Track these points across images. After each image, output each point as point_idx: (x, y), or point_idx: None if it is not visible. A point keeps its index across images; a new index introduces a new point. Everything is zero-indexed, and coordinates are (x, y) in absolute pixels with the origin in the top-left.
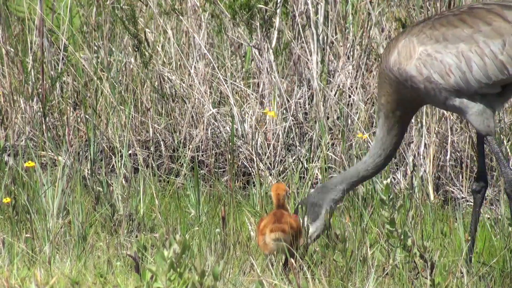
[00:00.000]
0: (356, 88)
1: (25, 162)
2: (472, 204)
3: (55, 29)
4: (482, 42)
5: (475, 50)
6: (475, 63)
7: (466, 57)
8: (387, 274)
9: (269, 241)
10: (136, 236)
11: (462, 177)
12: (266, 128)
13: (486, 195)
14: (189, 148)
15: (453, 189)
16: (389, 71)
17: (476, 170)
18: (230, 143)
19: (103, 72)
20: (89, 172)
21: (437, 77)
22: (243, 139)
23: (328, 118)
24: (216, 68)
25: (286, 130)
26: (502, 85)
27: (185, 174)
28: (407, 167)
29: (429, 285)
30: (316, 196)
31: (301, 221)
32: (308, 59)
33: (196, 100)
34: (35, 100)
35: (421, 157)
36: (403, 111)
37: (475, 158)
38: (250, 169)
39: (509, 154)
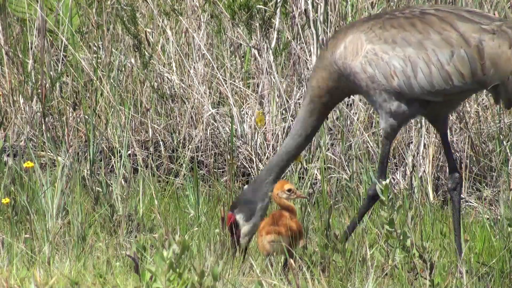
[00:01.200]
0: None
1: (24, 162)
2: (472, 204)
3: (55, 30)
4: (430, 50)
5: (423, 56)
6: (421, 69)
7: (412, 62)
8: (386, 274)
9: (265, 243)
10: (136, 237)
11: (462, 178)
12: (265, 128)
13: (485, 195)
14: (188, 149)
15: None
16: (333, 62)
17: (475, 170)
18: (230, 144)
19: (103, 72)
20: (89, 173)
21: (381, 78)
22: (243, 139)
23: (327, 118)
24: (216, 68)
25: (285, 131)
26: (444, 95)
27: (184, 174)
28: (407, 168)
29: (428, 286)
30: (249, 193)
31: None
32: (307, 59)
33: (196, 100)
34: (34, 100)
35: (421, 157)
36: (330, 99)
37: (474, 159)
38: (249, 169)
39: (509, 154)
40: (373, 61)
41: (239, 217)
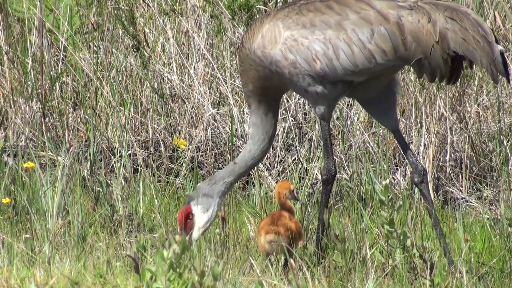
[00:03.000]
0: None
1: (24, 162)
2: (472, 204)
3: (54, 30)
4: (350, 30)
5: (343, 37)
6: (343, 50)
7: (333, 44)
8: (386, 274)
9: (264, 243)
10: (136, 237)
11: (462, 178)
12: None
13: (485, 195)
14: (188, 149)
15: (453, 189)
16: (253, 55)
17: (475, 170)
18: (230, 144)
19: (103, 72)
20: (89, 173)
21: (303, 63)
22: (243, 139)
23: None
24: (216, 68)
25: (285, 131)
26: (368, 73)
27: (184, 174)
28: (407, 168)
29: (428, 286)
30: (206, 187)
31: (195, 216)
32: None
33: (196, 100)
34: (34, 100)
35: (421, 157)
36: (273, 94)
37: (474, 159)
38: None
39: (509, 154)
40: (293, 47)
41: (196, 209)
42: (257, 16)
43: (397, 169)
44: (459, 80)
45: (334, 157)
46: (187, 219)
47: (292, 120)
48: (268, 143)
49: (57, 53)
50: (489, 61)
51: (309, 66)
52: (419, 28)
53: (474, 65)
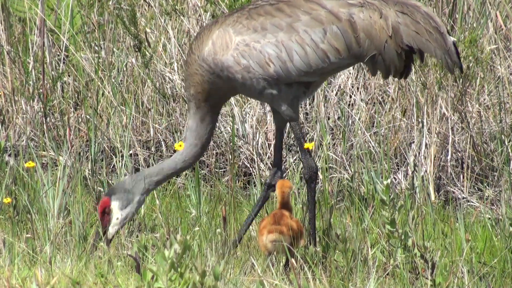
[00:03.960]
0: (357, 88)
1: (26, 162)
2: (473, 204)
3: (56, 30)
4: (302, 31)
5: (296, 39)
6: (296, 52)
7: (286, 46)
8: (387, 274)
9: (267, 242)
10: (137, 236)
11: (463, 178)
12: (267, 128)
13: (487, 195)
14: None
15: (454, 189)
16: (202, 61)
17: (476, 170)
18: (231, 143)
19: (104, 72)
20: (90, 172)
21: (256, 67)
22: (244, 139)
23: (329, 118)
24: None
25: (287, 130)
26: (321, 73)
27: (185, 174)
28: (408, 167)
29: (429, 286)
30: (130, 183)
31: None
32: None
33: None
34: (36, 100)
35: (422, 157)
36: (214, 101)
37: (476, 159)
38: (251, 169)
39: (510, 154)
40: (245, 52)
41: (115, 204)
42: None
43: (398, 169)
44: (461, 80)
45: (311, 154)
46: (105, 213)
47: None
48: (200, 149)
49: (58, 53)
50: (443, 52)
51: (263, 69)
52: (371, 24)
53: (424, 58)
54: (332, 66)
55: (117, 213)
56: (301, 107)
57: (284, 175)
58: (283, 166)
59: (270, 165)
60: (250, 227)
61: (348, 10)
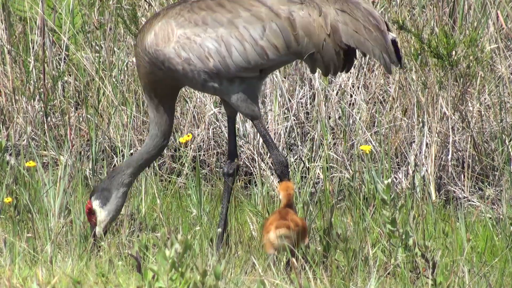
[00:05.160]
0: (358, 88)
1: (26, 161)
2: (474, 203)
3: (56, 29)
4: (242, 27)
5: (235, 35)
6: (235, 48)
7: (226, 41)
8: (388, 273)
9: (274, 238)
10: (138, 236)
11: (464, 177)
12: (267, 127)
13: (487, 194)
14: (190, 148)
15: (455, 188)
16: (144, 54)
17: (477, 170)
18: None
19: (105, 71)
20: (91, 172)
21: (196, 60)
22: (245, 138)
23: (329, 117)
24: None
25: (287, 130)
26: (260, 69)
27: (186, 173)
28: (409, 167)
29: (430, 285)
30: (106, 181)
31: None
32: None
33: (198, 99)
34: (36, 99)
35: (423, 156)
36: (162, 92)
37: (476, 158)
38: (251, 168)
39: (511, 153)
40: (186, 45)
41: (95, 204)
42: None
43: (399, 168)
44: (461, 79)
45: (278, 148)
46: (91, 214)
47: (294, 120)
48: (161, 139)
49: (59, 52)
50: (382, 50)
51: (203, 63)
52: (310, 22)
53: (367, 55)
54: (271, 63)
55: (99, 211)
56: (302, 106)
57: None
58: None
59: (271, 165)
60: (251, 226)
61: (288, 7)
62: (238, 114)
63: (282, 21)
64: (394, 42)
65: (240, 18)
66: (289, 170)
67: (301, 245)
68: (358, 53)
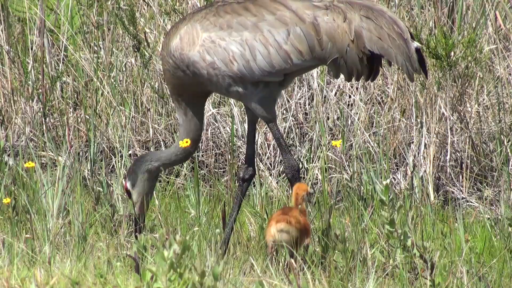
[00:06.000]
0: (357, 88)
1: (25, 162)
2: (472, 204)
3: (55, 30)
4: (266, 31)
5: (260, 39)
6: (259, 51)
7: (250, 45)
8: (387, 274)
9: (275, 232)
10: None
11: (462, 178)
12: (266, 128)
13: (486, 195)
14: None
15: (453, 189)
16: (169, 57)
17: (476, 170)
18: (230, 144)
19: (103, 72)
20: (89, 173)
21: (221, 64)
22: (243, 139)
23: (328, 118)
24: None
25: (286, 131)
26: (285, 74)
27: (185, 174)
28: (407, 168)
29: (429, 286)
30: (135, 164)
31: None
32: None
33: None
34: (35, 100)
35: (421, 157)
36: (188, 96)
37: (475, 159)
38: None
39: (509, 154)
40: (211, 49)
41: (128, 185)
42: None
43: (397, 169)
44: (459, 79)
45: (291, 152)
46: (129, 195)
47: (293, 120)
48: (191, 145)
49: (57, 53)
50: (405, 58)
51: (227, 67)
52: (334, 27)
53: (392, 63)
54: (295, 67)
55: (132, 192)
56: (301, 107)
57: (283, 176)
58: (282, 167)
59: (269, 166)
60: (250, 227)
61: (313, 12)
62: (258, 119)
63: (306, 25)
64: (418, 51)
65: (265, 21)
66: (300, 174)
67: (302, 245)
68: (383, 61)
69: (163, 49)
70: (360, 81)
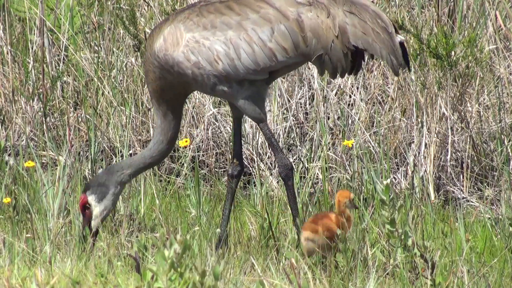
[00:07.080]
0: (357, 88)
1: (25, 162)
2: (473, 204)
3: (55, 29)
4: (250, 30)
5: (244, 37)
6: (244, 50)
7: (234, 44)
8: (387, 274)
9: (302, 240)
10: (137, 236)
11: (463, 177)
12: None
13: (486, 195)
14: (189, 148)
15: (454, 189)
16: (153, 58)
17: (476, 170)
18: (231, 143)
19: (104, 72)
20: (90, 172)
21: (206, 64)
22: (244, 139)
23: (328, 118)
24: None
25: (286, 130)
26: (270, 72)
27: (185, 174)
28: (408, 167)
29: (429, 285)
30: (103, 177)
31: None
32: None
33: (197, 100)
34: (35, 100)
35: (422, 157)
36: (170, 97)
37: (475, 158)
38: (250, 169)
39: (510, 154)
40: (195, 49)
41: (91, 198)
42: None
43: (398, 168)
44: (460, 79)
45: (284, 151)
46: (85, 208)
47: (293, 120)
48: (166, 146)
49: (58, 53)
50: (389, 52)
51: (212, 66)
52: (318, 24)
53: (374, 57)
54: (280, 65)
55: (96, 206)
56: (301, 106)
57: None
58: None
59: (270, 165)
60: (250, 226)
61: (296, 9)
62: (243, 115)
63: (290, 22)
64: (402, 44)
65: (249, 20)
66: (294, 173)
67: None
68: (366, 55)
69: (146, 50)
70: (360, 81)
